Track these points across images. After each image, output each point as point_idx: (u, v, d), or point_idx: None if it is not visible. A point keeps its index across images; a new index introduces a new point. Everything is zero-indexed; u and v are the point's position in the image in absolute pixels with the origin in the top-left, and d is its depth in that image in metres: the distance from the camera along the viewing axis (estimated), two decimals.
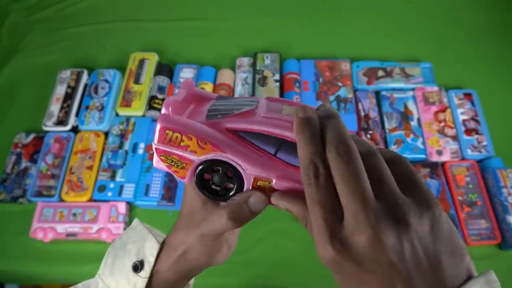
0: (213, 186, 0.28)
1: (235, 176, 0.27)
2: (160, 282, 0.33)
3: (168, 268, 0.32)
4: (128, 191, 0.74)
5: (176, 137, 0.26)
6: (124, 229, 0.71)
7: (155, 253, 0.33)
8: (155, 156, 0.28)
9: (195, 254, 0.31)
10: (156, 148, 0.27)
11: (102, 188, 0.74)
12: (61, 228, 0.71)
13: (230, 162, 0.26)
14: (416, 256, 0.20)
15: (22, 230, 0.72)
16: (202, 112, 0.28)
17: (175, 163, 0.27)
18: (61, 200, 0.75)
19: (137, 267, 0.32)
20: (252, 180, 0.27)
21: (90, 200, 0.75)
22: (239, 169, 0.26)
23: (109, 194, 0.74)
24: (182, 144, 0.26)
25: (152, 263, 0.32)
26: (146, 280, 0.32)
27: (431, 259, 0.20)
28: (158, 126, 0.26)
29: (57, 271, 0.71)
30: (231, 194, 0.28)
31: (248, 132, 0.26)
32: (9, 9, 1.06)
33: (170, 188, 0.74)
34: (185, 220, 0.31)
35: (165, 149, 0.27)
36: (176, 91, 0.85)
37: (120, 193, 0.74)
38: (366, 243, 0.20)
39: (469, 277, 0.20)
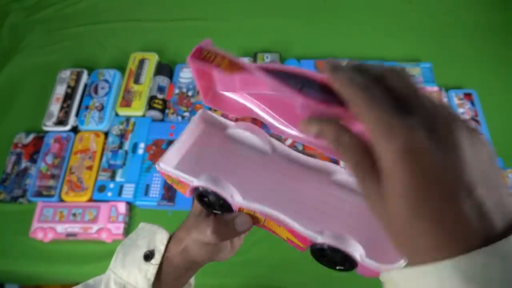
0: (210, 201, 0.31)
1: (225, 202, 0.29)
2: (169, 268, 0.34)
3: (175, 256, 0.34)
4: (128, 191, 0.74)
5: (210, 56, 0.27)
6: (124, 229, 0.71)
7: (165, 242, 0.35)
8: None
9: (194, 252, 0.33)
10: (160, 172, 0.30)
11: (102, 188, 0.74)
12: (61, 228, 0.71)
13: (218, 192, 0.28)
14: (481, 167, 0.19)
15: (22, 230, 0.72)
16: None
17: (177, 183, 0.31)
18: (61, 200, 0.75)
19: (148, 256, 0.34)
20: (237, 209, 0.30)
21: (90, 200, 0.74)
22: (226, 199, 0.29)
23: (109, 194, 0.74)
24: (214, 62, 0.27)
25: (162, 251, 0.34)
26: (156, 266, 0.34)
27: (496, 176, 0.19)
28: (195, 47, 0.28)
29: (57, 271, 0.71)
30: (223, 211, 0.31)
31: (275, 71, 0.26)
32: (9, 9, 1.06)
33: (170, 188, 0.74)
34: (188, 220, 0.34)
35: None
36: (176, 91, 0.85)
37: (120, 193, 0.74)
38: (444, 125, 0.19)
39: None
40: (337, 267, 0.28)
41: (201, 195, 0.30)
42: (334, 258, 0.27)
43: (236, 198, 0.28)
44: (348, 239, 0.26)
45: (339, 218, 0.31)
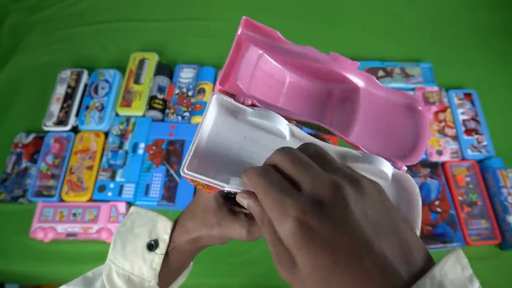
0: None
1: None
2: (177, 256, 0.34)
3: (184, 245, 0.34)
4: (128, 191, 0.74)
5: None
6: None
7: (169, 231, 0.34)
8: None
9: (208, 242, 0.33)
10: (185, 177, 0.28)
11: (102, 188, 0.74)
12: (61, 228, 0.71)
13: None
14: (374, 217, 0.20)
15: (22, 230, 0.72)
16: None
17: (202, 186, 0.29)
18: (61, 200, 0.75)
19: (152, 246, 0.33)
20: None
21: (90, 200, 0.74)
22: None
23: (109, 194, 0.74)
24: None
25: (167, 241, 0.34)
26: (162, 256, 0.33)
27: (393, 220, 0.21)
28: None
29: (57, 271, 0.71)
30: None
31: None
32: (9, 9, 1.06)
33: (170, 188, 0.74)
34: (200, 213, 0.33)
35: (195, 174, 0.28)
36: (176, 91, 0.85)
37: (120, 193, 0.74)
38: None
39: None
40: None
41: (228, 194, 0.30)
42: None
43: None
44: None
45: None
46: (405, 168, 0.31)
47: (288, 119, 0.31)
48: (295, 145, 0.31)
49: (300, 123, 0.32)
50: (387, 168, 0.29)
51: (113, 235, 0.35)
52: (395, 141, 0.32)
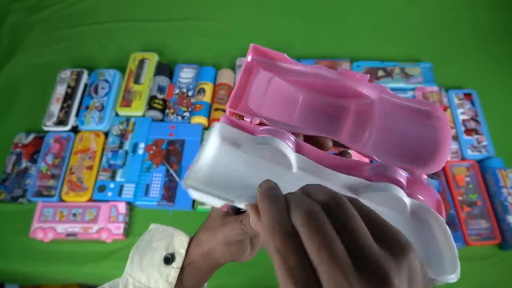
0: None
1: None
2: (192, 271, 0.34)
3: (198, 260, 0.34)
4: (128, 191, 0.74)
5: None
6: (124, 229, 0.71)
7: (185, 245, 0.34)
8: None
9: (218, 254, 0.33)
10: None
11: (102, 188, 0.74)
12: (61, 228, 0.71)
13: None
14: None
15: (22, 230, 0.72)
16: None
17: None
18: (61, 200, 0.75)
19: (169, 259, 0.34)
20: None
21: (90, 200, 0.75)
22: None
23: (109, 194, 0.74)
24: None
25: (183, 255, 0.34)
26: (178, 270, 0.33)
27: None
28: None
29: (57, 271, 0.71)
30: None
31: None
32: (9, 9, 1.06)
33: (170, 188, 0.74)
34: (211, 222, 0.33)
35: None
36: (176, 91, 0.85)
37: (120, 193, 0.74)
38: None
39: None
40: None
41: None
42: None
43: None
44: None
45: None
46: (425, 176, 0.29)
47: (297, 134, 0.31)
48: (302, 178, 0.29)
49: (309, 138, 0.32)
50: (402, 194, 0.27)
51: (132, 250, 0.36)
52: (414, 149, 0.31)
